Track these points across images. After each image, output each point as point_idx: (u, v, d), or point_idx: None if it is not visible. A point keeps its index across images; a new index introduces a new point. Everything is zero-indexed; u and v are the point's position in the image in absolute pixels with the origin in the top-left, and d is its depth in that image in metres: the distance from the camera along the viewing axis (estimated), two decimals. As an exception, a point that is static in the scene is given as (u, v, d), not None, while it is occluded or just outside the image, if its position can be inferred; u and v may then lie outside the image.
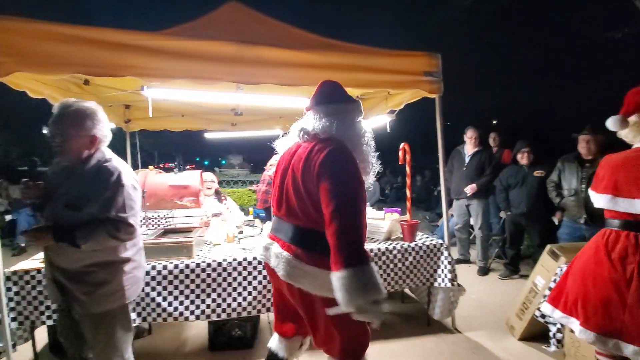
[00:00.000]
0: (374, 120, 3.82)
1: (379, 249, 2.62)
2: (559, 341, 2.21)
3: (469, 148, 4.44)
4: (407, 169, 3.26)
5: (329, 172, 1.32)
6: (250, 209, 4.67)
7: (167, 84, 2.52)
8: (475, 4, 8.41)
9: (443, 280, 2.71)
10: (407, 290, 3.40)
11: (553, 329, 2.27)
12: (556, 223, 3.65)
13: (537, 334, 2.60)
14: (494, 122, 16.02)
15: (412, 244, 2.70)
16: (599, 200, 1.75)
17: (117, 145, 2.07)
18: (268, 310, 2.37)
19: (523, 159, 3.96)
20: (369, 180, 1.54)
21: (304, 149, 1.46)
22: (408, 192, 3.21)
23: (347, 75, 2.50)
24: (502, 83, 12.85)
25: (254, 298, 2.36)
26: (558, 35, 10.96)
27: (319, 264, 1.37)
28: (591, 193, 1.83)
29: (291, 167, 1.47)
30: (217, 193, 3.45)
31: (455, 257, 4.68)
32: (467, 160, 4.42)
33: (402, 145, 3.16)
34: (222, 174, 12.48)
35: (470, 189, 4.26)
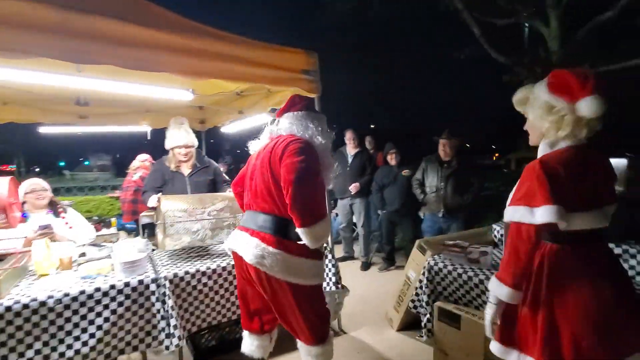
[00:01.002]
0: (255, 119, 3.57)
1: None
2: (430, 330, 2.36)
3: (350, 149, 4.61)
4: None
5: (289, 152, 1.52)
6: (113, 220, 3.89)
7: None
8: (355, 11, 8.94)
9: (328, 284, 2.65)
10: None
11: (424, 319, 2.41)
12: (422, 217, 4.04)
13: (412, 323, 2.78)
14: (372, 126, 17.62)
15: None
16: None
17: None
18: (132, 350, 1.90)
19: (392, 160, 4.34)
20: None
21: (271, 144, 1.65)
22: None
23: (219, 65, 2.19)
24: (377, 90, 14.18)
25: (100, 341, 1.83)
26: (423, 51, 12.61)
27: (285, 248, 1.52)
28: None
29: (260, 162, 1.63)
30: (53, 204, 2.68)
31: (340, 255, 4.85)
32: (350, 160, 4.57)
33: None
34: (74, 179, 10.45)
35: (354, 187, 4.42)
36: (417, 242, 2.72)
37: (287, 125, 1.69)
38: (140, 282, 1.97)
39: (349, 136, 4.56)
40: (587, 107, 1.25)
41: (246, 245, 1.56)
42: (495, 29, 5.99)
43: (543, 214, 1.20)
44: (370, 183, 4.50)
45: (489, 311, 1.38)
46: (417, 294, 2.51)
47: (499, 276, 1.33)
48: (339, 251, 4.91)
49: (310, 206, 1.48)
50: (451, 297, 2.32)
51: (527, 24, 5.94)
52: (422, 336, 2.43)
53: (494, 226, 3.04)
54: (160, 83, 2.55)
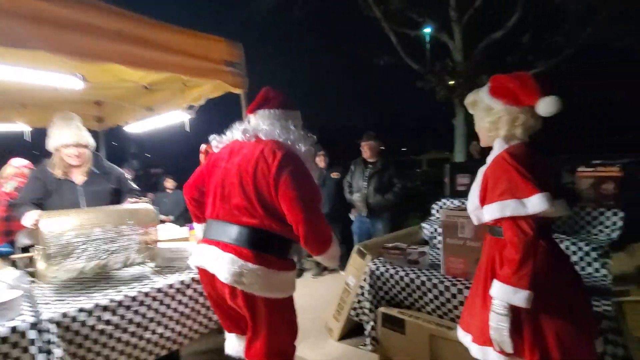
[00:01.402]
0: (169, 117, 3.10)
1: (182, 282, 1.99)
2: (374, 338, 2.26)
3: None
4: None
5: (290, 178, 1.38)
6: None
7: None
8: (278, 8, 8.74)
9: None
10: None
11: (367, 326, 2.31)
12: (352, 219, 4.02)
13: (353, 331, 2.66)
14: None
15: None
16: None
17: None
18: None
19: (321, 162, 4.24)
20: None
21: (251, 149, 1.48)
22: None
23: (118, 47, 1.77)
24: (304, 91, 14.19)
25: None
26: (347, 54, 12.96)
27: (266, 263, 1.40)
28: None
29: (237, 168, 1.46)
30: None
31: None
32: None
33: (203, 146, 2.62)
34: None
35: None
36: (355, 246, 2.63)
37: (268, 127, 1.52)
38: (13, 329, 1.45)
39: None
40: (544, 107, 1.29)
41: (218, 261, 1.40)
42: (410, 39, 6.41)
43: (536, 204, 1.19)
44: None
45: (503, 325, 1.21)
46: (358, 301, 2.40)
47: (509, 282, 1.19)
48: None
49: (323, 234, 1.43)
50: (393, 301, 2.26)
51: (435, 36, 6.42)
52: (365, 345, 2.33)
53: (423, 225, 3.12)
54: (39, 66, 1.98)
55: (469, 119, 6.48)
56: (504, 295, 1.21)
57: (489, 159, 1.40)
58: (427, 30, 6.49)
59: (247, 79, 2.52)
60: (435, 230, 3.01)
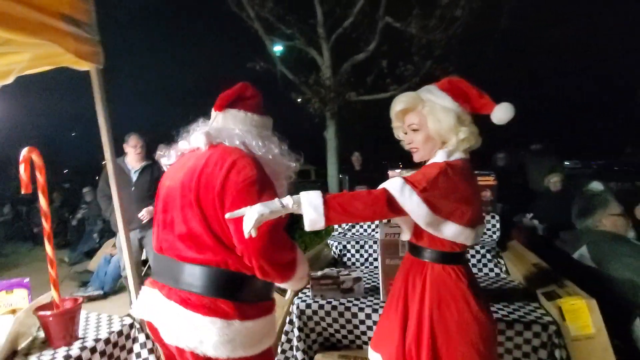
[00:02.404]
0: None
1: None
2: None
3: (134, 161, 3.37)
4: (41, 194, 1.66)
5: (239, 191, 1.07)
6: None
7: None
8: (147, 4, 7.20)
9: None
10: None
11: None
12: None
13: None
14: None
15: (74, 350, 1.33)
16: None
17: None
18: None
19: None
20: None
21: (199, 158, 1.17)
22: (46, 225, 1.63)
23: None
24: (172, 89, 12.30)
25: None
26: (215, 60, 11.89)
27: (221, 312, 1.06)
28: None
29: (180, 186, 1.16)
30: None
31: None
32: (134, 177, 3.31)
33: (24, 152, 1.56)
34: None
35: (146, 213, 3.18)
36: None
37: (237, 133, 1.22)
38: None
39: (132, 142, 3.31)
40: (502, 113, 1.22)
41: (160, 313, 1.10)
42: (286, 48, 6.29)
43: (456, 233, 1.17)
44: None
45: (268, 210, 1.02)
46: (282, 351, 1.84)
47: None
48: (125, 304, 3.46)
49: (286, 263, 1.13)
50: (329, 342, 1.83)
51: (305, 49, 6.48)
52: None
53: (330, 242, 2.83)
54: None
55: (339, 132, 6.82)
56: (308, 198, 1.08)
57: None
58: (296, 42, 6.48)
59: (102, 52, 1.67)
60: (345, 246, 2.77)
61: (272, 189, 1.14)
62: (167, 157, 1.32)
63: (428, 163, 1.27)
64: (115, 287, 3.85)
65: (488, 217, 2.80)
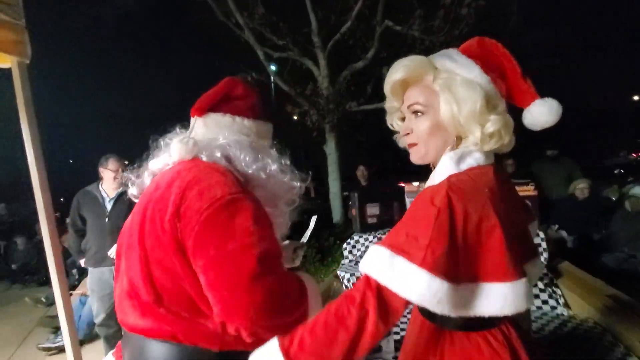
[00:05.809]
0: None
1: None
2: None
3: (111, 189, 2.93)
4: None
5: (206, 231, 0.78)
6: None
7: None
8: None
9: None
10: None
11: None
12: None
13: None
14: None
15: None
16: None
17: None
18: None
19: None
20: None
21: (165, 179, 0.90)
22: None
23: None
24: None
25: None
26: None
27: None
28: None
29: (131, 218, 0.97)
30: None
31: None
32: (109, 206, 2.85)
33: None
34: None
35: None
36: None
37: (219, 144, 0.93)
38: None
39: (112, 167, 2.87)
40: (546, 111, 0.81)
41: None
42: (279, 59, 6.02)
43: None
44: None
45: None
46: None
47: None
48: (99, 355, 2.97)
49: (293, 321, 0.78)
50: None
51: (299, 60, 6.16)
52: None
53: (340, 273, 2.36)
54: None
55: (340, 146, 6.42)
56: None
57: (430, 182, 0.81)
58: (290, 54, 6.17)
59: (27, 40, 1.25)
60: (358, 278, 2.30)
61: (263, 220, 0.81)
62: (137, 185, 1.04)
63: (425, 186, 0.81)
64: (92, 334, 3.33)
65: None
